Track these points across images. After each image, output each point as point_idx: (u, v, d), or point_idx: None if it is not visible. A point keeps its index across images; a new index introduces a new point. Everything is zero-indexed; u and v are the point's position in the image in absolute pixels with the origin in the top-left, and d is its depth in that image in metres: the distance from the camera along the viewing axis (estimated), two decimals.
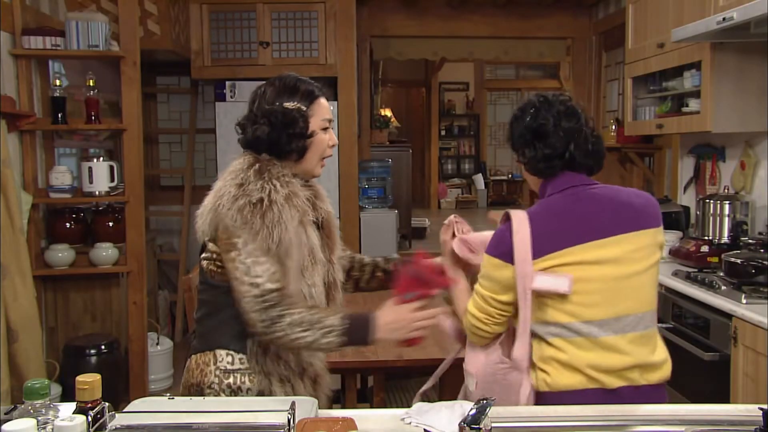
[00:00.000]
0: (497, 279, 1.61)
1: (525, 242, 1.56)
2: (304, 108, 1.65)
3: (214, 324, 1.66)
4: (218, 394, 1.62)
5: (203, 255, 1.67)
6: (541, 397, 1.62)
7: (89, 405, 1.12)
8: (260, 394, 1.62)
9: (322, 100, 1.70)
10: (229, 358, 1.63)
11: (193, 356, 1.69)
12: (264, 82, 1.71)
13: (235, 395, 1.62)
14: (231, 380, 1.62)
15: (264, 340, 1.58)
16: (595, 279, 1.57)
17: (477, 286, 1.67)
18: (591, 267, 1.57)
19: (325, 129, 1.69)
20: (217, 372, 1.63)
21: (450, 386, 2.42)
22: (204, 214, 1.61)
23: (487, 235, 1.72)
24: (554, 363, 1.60)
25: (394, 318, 1.58)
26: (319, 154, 1.69)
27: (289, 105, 1.64)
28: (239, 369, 1.62)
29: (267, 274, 1.53)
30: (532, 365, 1.64)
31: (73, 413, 1.10)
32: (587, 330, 1.58)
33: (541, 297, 1.59)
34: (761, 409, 1.19)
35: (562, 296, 1.57)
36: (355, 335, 1.54)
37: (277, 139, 1.62)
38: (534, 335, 1.63)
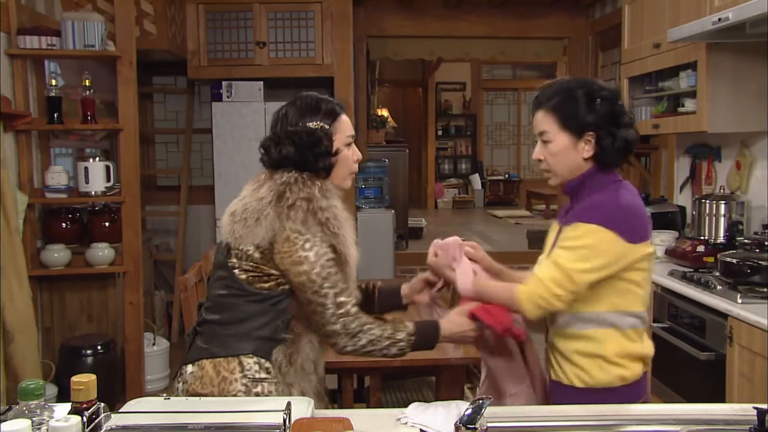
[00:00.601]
0: (610, 254, 1.55)
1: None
2: (327, 126, 1.67)
3: (241, 330, 1.63)
4: None
5: (234, 260, 1.63)
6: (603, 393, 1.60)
7: (84, 405, 1.12)
8: None
9: (344, 117, 1.73)
10: (257, 366, 1.60)
11: (207, 361, 1.63)
12: (286, 103, 1.73)
13: None
14: (259, 389, 1.59)
15: (339, 352, 1.64)
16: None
17: (575, 266, 1.54)
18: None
19: (348, 145, 1.72)
20: (245, 380, 1.59)
21: (447, 386, 2.43)
22: (261, 222, 1.59)
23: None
24: (632, 356, 1.62)
25: (458, 329, 1.70)
26: (347, 170, 1.72)
27: (312, 125, 1.66)
28: (266, 378, 1.61)
29: (340, 287, 1.59)
30: (598, 359, 1.60)
31: (68, 414, 1.10)
32: (645, 319, 1.66)
33: (628, 282, 1.59)
34: (756, 408, 1.19)
35: (639, 283, 1.60)
36: (422, 345, 1.68)
37: (303, 159, 1.64)
38: (610, 325, 1.60)
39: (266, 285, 1.61)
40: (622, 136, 1.62)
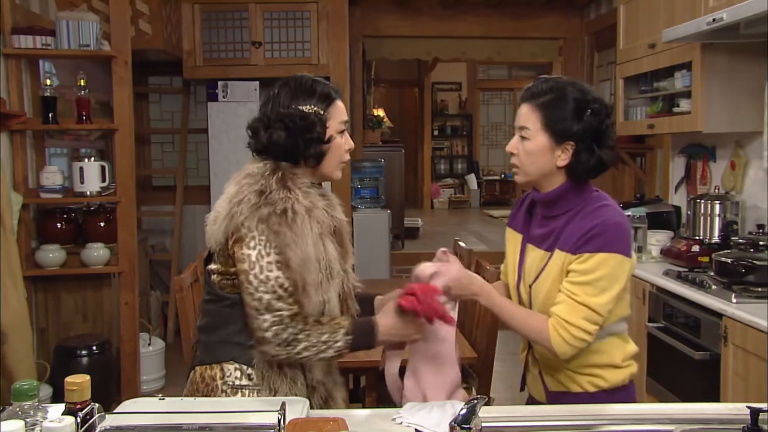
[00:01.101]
0: (622, 276, 1.55)
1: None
2: (321, 111, 1.56)
3: (221, 336, 1.59)
4: None
5: (212, 265, 1.59)
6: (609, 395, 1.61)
7: (78, 406, 1.12)
8: None
9: (339, 103, 1.62)
10: (237, 373, 1.56)
11: (197, 368, 1.62)
12: (277, 83, 1.62)
13: None
14: (239, 396, 1.55)
15: (270, 358, 1.53)
16: None
17: (599, 301, 1.52)
18: None
19: (342, 132, 1.61)
20: (225, 387, 1.56)
21: None
22: (218, 220, 1.52)
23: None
24: (632, 355, 1.66)
25: (393, 324, 1.57)
26: (338, 159, 1.61)
27: (305, 108, 1.55)
28: (247, 385, 1.56)
29: (281, 290, 1.47)
30: (608, 368, 1.61)
31: (62, 414, 1.10)
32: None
33: (623, 290, 1.59)
34: (749, 407, 1.20)
35: (627, 288, 1.61)
36: (360, 345, 1.55)
37: (294, 144, 1.54)
38: (614, 334, 1.63)
39: (235, 289, 1.54)
40: (600, 155, 1.56)
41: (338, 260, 1.62)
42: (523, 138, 1.59)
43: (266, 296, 1.47)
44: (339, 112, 1.61)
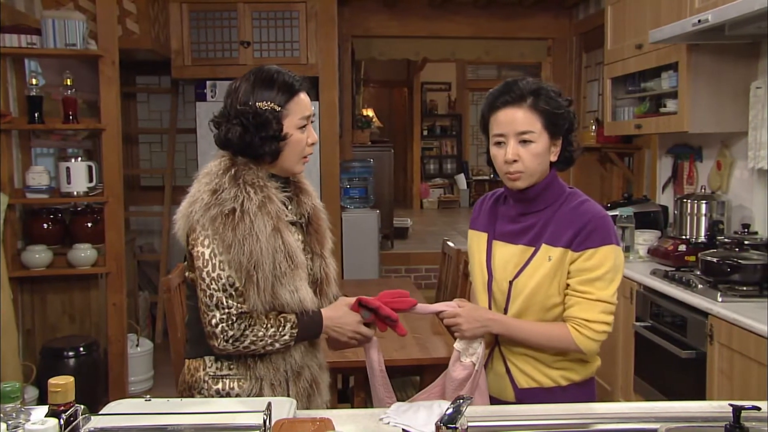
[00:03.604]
0: (622, 265, 1.63)
1: None
2: (278, 108, 1.55)
3: (201, 331, 1.61)
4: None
5: (186, 262, 1.64)
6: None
7: (62, 408, 1.11)
8: None
9: (302, 96, 1.59)
10: (218, 363, 1.61)
11: (186, 360, 1.68)
12: (242, 75, 1.61)
13: None
14: (220, 386, 1.60)
15: (219, 352, 1.57)
16: None
17: (610, 293, 1.59)
18: None
19: (303, 127, 1.59)
20: (206, 377, 1.61)
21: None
22: (179, 219, 1.57)
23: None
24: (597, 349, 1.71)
25: (339, 320, 1.63)
26: (298, 154, 1.60)
27: (262, 105, 1.54)
28: (227, 375, 1.60)
29: (231, 289, 1.51)
30: (579, 361, 1.66)
31: (46, 416, 1.09)
32: None
33: None
34: (732, 405, 1.21)
35: None
36: (305, 335, 1.61)
37: (249, 141, 1.54)
38: None
39: None
40: (577, 142, 1.68)
41: (309, 246, 1.66)
42: (526, 142, 1.59)
43: (216, 294, 1.52)
44: (301, 107, 1.59)
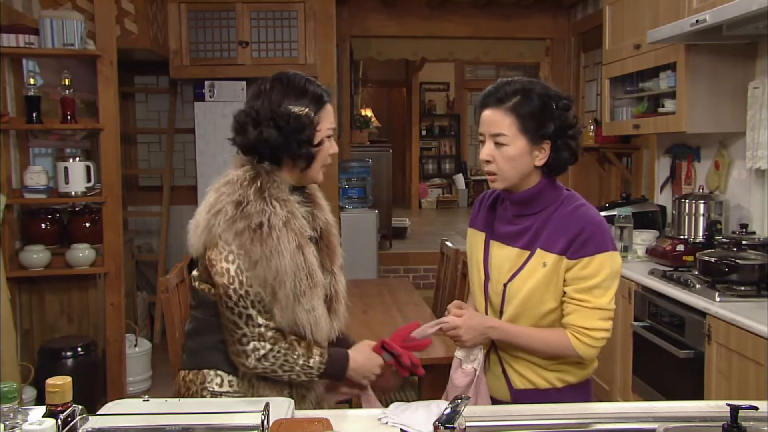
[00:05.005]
0: (619, 270, 1.62)
1: None
2: (313, 114, 1.53)
3: (205, 343, 1.59)
4: None
5: (195, 272, 1.59)
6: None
7: (60, 408, 1.11)
8: None
9: (329, 107, 1.59)
10: (218, 380, 1.57)
11: (181, 372, 1.63)
12: (266, 77, 1.58)
13: None
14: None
15: (245, 371, 1.54)
16: None
17: (607, 300, 1.58)
18: None
19: (329, 137, 1.59)
20: (204, 393, 1.56)
21: (430, 386, 2.43)
22: (197, 231, 1.51)
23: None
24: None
25: (363, 364, 1.63)
26: (323, 162, 1.59)
27: (296, 109, 1.51)
28: (228, 392, 1.56)
29: (258, 306, 1.48)
30: (576, 364, 1.65)
31: (43, 417, 1.09)
32: None
33: None
34: (729, 405, 1.21)
35: None
36: (330, 374, 1.60)
37: (284, 144, 1.50)
38: None
39: (219, 297, 1.53)
40: (573, 147, 1.60)
41: (320, 267, 1.60)
42: (499, 144, 1.57)
43: (246, 311, 1.48)
44: (329, 117, 1.59)
